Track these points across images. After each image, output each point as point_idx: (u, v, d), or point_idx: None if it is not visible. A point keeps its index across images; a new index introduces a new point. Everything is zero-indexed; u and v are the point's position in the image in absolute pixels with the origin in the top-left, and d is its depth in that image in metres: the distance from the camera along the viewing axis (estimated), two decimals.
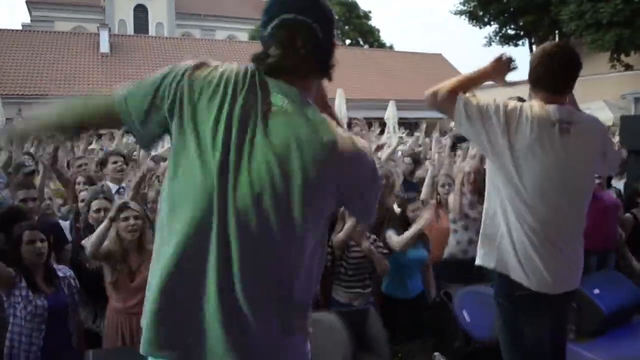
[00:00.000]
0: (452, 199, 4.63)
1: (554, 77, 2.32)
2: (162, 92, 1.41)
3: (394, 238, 4.08)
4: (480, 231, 2.47)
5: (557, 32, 16.85)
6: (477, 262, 2.46)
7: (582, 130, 2.29)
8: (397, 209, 4.48)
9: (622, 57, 18.67)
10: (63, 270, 3.32)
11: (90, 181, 4.66)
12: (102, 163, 4.85)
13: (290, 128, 1.33)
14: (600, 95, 19.30)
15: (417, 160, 6.72)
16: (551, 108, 2.27)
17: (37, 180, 4.88)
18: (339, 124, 1.49)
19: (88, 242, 3.23)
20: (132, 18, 40.56)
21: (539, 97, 2.35)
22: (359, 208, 1.56)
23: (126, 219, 3.34)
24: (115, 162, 4.70)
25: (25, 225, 3.28)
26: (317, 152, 1.32)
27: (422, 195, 4.96)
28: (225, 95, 1.35)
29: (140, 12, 41.03)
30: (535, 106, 2.28)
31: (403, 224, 4.23)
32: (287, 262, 1.35)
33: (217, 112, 1.34)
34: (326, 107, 1.58)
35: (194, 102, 1.37)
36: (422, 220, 4.02)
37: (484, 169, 4.58)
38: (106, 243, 3.28)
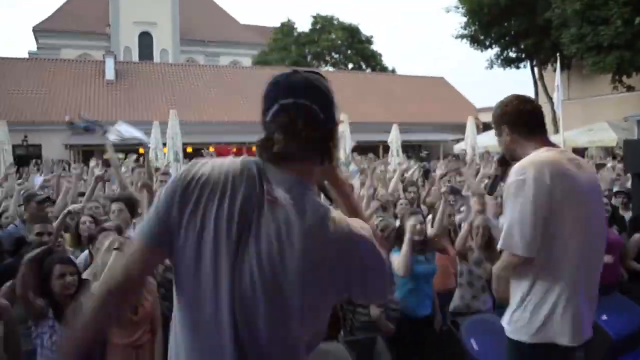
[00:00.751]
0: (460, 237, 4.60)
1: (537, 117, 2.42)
2: (166, 210, 1.38)
3: (394, 262, 4.07)
4: None
5: (558, 54, 16.91)
6: None
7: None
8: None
9: (624, 78, 18.76)
10: None
11: (95, 221, 4.61)
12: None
13: (288, 224, 1.32)
14: (602, 116, 19.37)
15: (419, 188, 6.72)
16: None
17: (50, 209, 4.92)
18: (349, 197, 1.53)
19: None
20: (137, 45, 41.11)
21: (537, 140, 2.38)
22: (366, 293, 1.48)
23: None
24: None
25: (56, 258, 3.34)
26: (315, 246, 1.31)
27: (434, 230, 4.79)
28: (225, 193, 1.34)
29: (145, 39, 41.58)
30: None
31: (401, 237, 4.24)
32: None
33: (217, 211, 1.33)
34: (337, 184, 1.61)
35: (192, 205, 1.35)
36: (409, 228, 4.06)
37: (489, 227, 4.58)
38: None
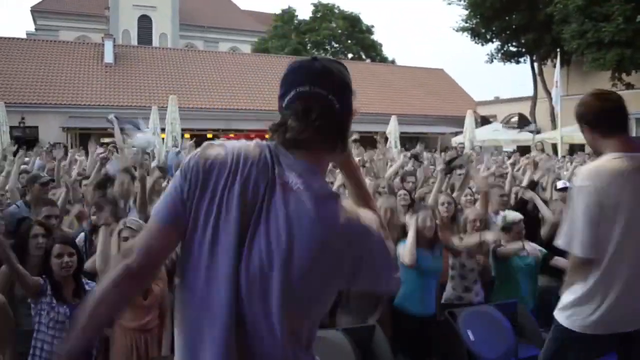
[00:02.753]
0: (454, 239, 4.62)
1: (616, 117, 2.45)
2: (182, 189, 1.40)
3: (401, 252, 4.07)
4: None
5: (558, 50, 16.92)
6: None
7: None
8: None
9: (624, 76, 18.78)
10: (91, 285, 3.37)
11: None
12: (109, 180, 4.90)
13: (299, 209, 1.33)
14: None
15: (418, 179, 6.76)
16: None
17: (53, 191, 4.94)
18: (362, 186, 1.56)
19: (89, 263, 3.27)
20: (136, 28, 40.85)
21: (616, 139, 2.41)
22: (372, 283, 1.51)
23: (126, 239, 3.38)
24: (122, 182, 4.82)
25: (57, 237, 3.39)
26: (325, 233, 1.33)
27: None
28: (236, 176, 1.36)
29: (145, 23, 41.32)
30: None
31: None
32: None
33: (228, 193, 1.35)
34: (350, 172, 1.64)
35: (205, 187, 1.37)
36: (413, 223, 4.06)
37: (487, 216, 4.65)
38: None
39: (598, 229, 2.30)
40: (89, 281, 3.41)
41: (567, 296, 2.53)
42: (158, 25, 41.47)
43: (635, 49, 16.83)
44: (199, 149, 1.44)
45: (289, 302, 1.33)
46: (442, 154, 12.51)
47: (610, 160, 2.36)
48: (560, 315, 2.55)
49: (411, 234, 4.06)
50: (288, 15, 39.96)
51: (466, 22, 25.28)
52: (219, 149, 1.42)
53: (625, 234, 2.32)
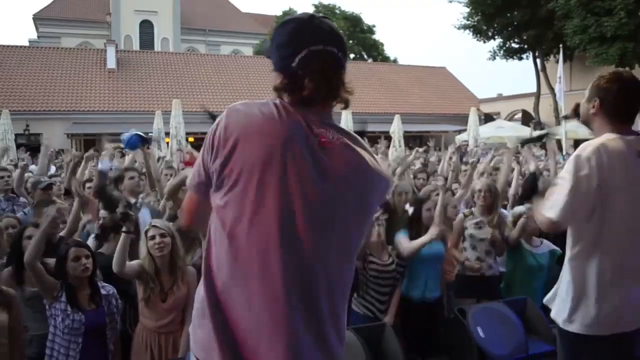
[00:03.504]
0: (459, 217, 4.69)
1: (634, 106, 2.39)
2: (214, 151, 1.43)
3: (404, 244, 4.11)
4: None
5: (561, 45, 16.88)
6: None
7: None
8: (409, 208, 4.50)
9: (627, 70, 18.74)
10: (106, 288, 3.39)
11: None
12: (118, 179, 4.92)
13: (344, 158, 1.42)
14: None
15: (429, 176, 6.77)
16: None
17: (56, 196, 4.95)
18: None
19: (114, 263, 3.28)
20: (137, 33, 40.93)
21: (617, 124, 2.36)
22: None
23: (152, 237, 3.39)
24: (132, 178, 4.85)
25: (71, 242, 3.43)
26: (369, 179, 1.44)
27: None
28: (270, 136, 1.37)
29: (146, 28, 41.40)
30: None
31: (417, 223, 4.28)
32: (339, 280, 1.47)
33: (268, 154, 1.36)
34: None
35: (238, 147, 1.38)
36: (429, 235, 4.04)
37: (494, 186, 4.67)
38: (138, 261, 3.35)
39: (581, 201, 2.24)
40: (105, 284, 3.42)
41: (562, 297, 2.44)
42: (159, 30, 41.54)
43: (638, 43, 16.78)
44: (222, 115, 1.46)
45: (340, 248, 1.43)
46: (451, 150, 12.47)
47: (612, 138, 2.29)
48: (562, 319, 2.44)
49: (425, 239, 4.05)
50: (286, 16, 39.90)
51: (468, 20, 25.22)
52: (240, 114, 1.43)
53: (621, 218, 2.26)
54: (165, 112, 15.06)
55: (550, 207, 2.32)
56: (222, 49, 42.64)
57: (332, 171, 1.38)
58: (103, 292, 3.32)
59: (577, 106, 2.55)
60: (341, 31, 1.55)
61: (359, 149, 1.45)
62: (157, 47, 39.88)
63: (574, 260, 2.39)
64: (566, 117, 3.14)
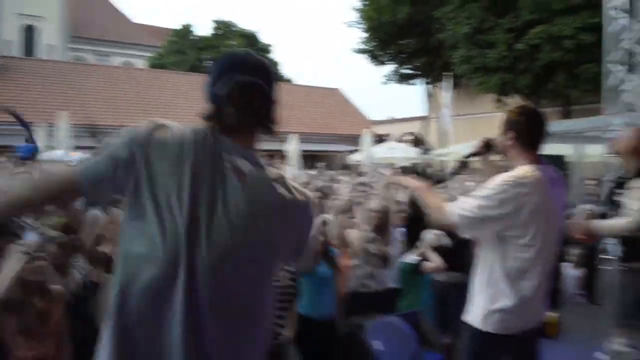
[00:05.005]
0: (353, 234, 4.79)
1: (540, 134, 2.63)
2: (120, 160, 1.43)
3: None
4: None
5: (448, 73, 17.96)
6: None
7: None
8: None
9: (506, 98, 20.25)
10: None
11: None
12: None
13: (251, 190, 1.44)
14: (487, 132, 20.64)
15: (326, 195, 6.85)
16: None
17: None
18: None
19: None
20: (20, 39, 38.29)
21: (531, 154, 2.60)
22: (304, 255, 1.66)
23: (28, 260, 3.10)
24: None
25: None
26: (277, 211, 1.47)
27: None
28: (186, 159, 1.40)
29: (30, 34, 38.85)
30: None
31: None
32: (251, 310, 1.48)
33: (179, 176, 1.39)
34: None
35: (153, 167, 1.40)
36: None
37: (387, 207, 4.85)
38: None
39: (487, 219, 2.46)
40: None
41: (478, 298, 2.62)
42: (45, 37, 39.13)
43: (515, 74, 18.22)
44: (145, 130, 1.46)
45: (241, 280, 1.43)
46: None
47: (529, 170, 2.53)
48: (474, 318, 2.62)
49: None
50: (183, 30, 39.33)
51: (365, 45, 26.26)
52: (167, 130, 1.46)
53: (537, 240, 2.49)
54: (51, 125, 14.13)
55: (458, 209, 2.51)
56: (112, 59, 40.96)
57: (235, 201, 1.41)
58: None
59: (486, 142, 2.95)
60: (272, 66, 1.60)
61: (270, 182, 1.49)
62: (42, 54, 37.49)
63: (481, 268, 2.62)
64: (475, 154, 3.40)
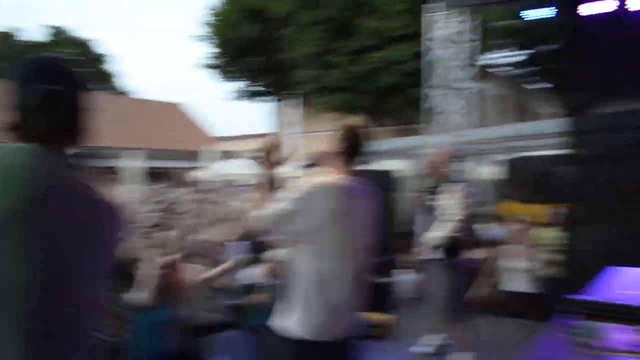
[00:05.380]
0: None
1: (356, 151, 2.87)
2: None
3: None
4: None
5: (295, 91, 18.55)
6: None
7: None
8: None
9: (350, 117, 21.36)
10: None
11: None
12: None
13: (68, 195, 1.41)
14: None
15: (172, 212, 6.76)
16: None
17: None
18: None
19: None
20: None
21: (341, 166, 2.82)
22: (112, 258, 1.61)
23: None
24: None
25: None
26: (94, 213, 1.46)
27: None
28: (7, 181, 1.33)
29: None
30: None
31: None
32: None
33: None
34: None
35: None
36: None
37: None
38: None
39: (289, 223, 2.63)
40: None
41: (290, 305, 2.69)
42: None
43: (356, 94, 19.35)
44: None
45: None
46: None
47: (334, 176, 2.76)
48: (287, 325, 2.65)
49: None
50: (8, 36, 36.30)
51: (216, 60, 26.08)
52: None
53: (337, 248, 2.66)
54: None
55: (264, 212, 2.70)
56: None
57: (53, 205, 1.37)
58: None
59: (271, 142, 3.13)
60: (71, 67, 1.55)
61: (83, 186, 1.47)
62: None
63: (291, 276, 2.72)
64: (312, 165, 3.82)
